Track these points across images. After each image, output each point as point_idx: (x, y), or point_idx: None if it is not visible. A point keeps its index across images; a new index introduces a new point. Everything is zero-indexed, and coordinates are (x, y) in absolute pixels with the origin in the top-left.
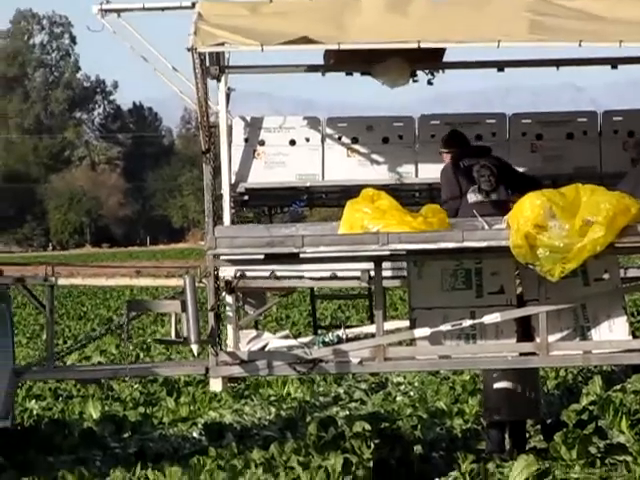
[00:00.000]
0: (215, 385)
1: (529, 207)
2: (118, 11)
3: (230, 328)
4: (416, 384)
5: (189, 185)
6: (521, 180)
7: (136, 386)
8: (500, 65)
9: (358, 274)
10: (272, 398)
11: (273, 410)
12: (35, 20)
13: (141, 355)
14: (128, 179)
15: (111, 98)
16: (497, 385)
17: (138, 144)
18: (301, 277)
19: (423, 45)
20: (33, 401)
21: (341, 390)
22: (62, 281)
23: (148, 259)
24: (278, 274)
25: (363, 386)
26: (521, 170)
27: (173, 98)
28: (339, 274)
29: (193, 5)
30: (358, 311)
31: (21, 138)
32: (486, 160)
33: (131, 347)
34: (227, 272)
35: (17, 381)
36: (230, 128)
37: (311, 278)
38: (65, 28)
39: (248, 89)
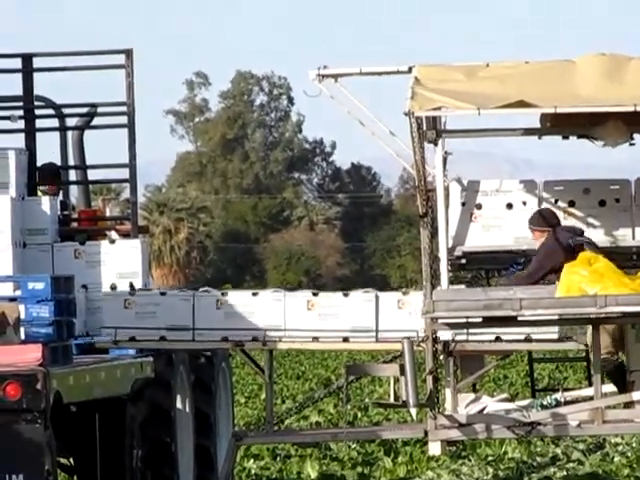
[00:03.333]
0: (434, 448)
1: None
2: (335, 76)
3: (448, 391)
4: (634, 445)
5: (407, 245)
6: None
7: (354, 446)
8: None
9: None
10: (489, 458)
11: (490, 470)
12: (254, 81)
13: (359, 415)
14: (346, 239)
15: (330, 159)
16: None
17: (356, 204)
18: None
19: (639, 108)
20: (251, 461)
21: (559, 450)
22: (281, 345)
23: None
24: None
25: (581, 446)
26: None
27: (391, 158)
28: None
29: (410, 69)
30: (575, 371)
31: (240, 198)
32: None
33: (349, 407)
34: (445, 335)
35: (237, 445)
36: (447, 191)
37: (531, 340)
38: (284, 90)
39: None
